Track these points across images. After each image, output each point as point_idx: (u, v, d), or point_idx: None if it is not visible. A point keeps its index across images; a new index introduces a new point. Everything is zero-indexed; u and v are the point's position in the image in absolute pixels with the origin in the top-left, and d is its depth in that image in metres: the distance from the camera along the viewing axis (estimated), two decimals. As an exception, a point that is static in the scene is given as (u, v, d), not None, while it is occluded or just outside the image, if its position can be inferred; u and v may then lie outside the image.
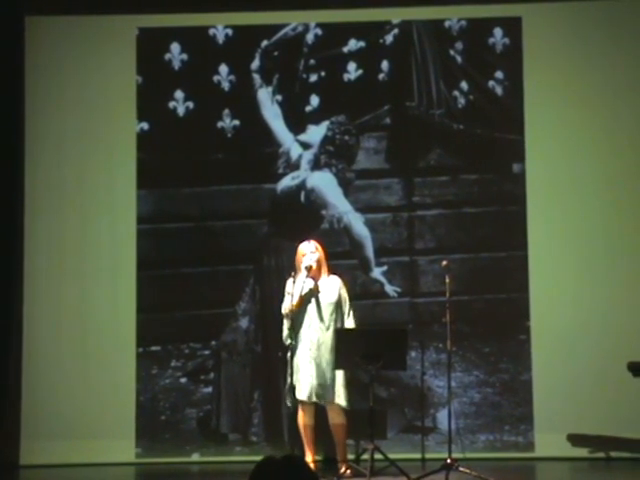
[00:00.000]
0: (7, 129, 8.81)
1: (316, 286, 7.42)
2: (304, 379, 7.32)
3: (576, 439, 8.41)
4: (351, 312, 7.48)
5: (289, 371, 7.26)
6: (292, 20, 8.96)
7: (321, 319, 7.37)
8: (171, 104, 8.93)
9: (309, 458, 7.30)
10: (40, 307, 8.77)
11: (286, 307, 7.34)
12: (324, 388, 7.33)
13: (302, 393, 7.32)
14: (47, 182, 8.88)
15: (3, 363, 8.68)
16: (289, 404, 7.43)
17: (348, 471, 7.26)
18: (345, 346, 7.13)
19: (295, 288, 7.32)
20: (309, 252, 7.48)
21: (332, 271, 7.62)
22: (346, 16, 8.90)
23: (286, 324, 7.37)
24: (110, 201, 8.87)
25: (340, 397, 7.35)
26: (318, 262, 7.48)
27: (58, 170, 8.89)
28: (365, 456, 7.22)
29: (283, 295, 7.46)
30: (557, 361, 8.49)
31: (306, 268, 7.36)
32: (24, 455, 8.61)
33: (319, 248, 7.55)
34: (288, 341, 7.32)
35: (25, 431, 8.64)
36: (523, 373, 8.58)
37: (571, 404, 8.43)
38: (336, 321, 7.41)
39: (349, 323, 7.45)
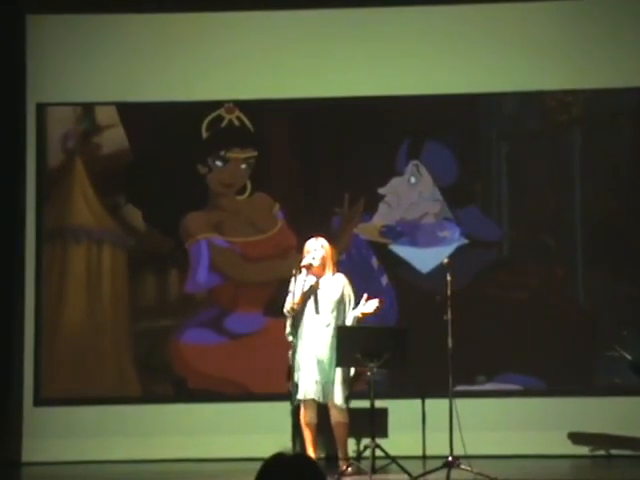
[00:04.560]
0: (9, 130, 8.82)
1: (317, 283, 7.33)
2: (305, 377, 7.23)
3: (577, 437, 8.40)
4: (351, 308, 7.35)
5: (293, 368, 7.21)
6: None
7: (320, 316, 7.27)
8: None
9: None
10: (42, 304, 8.79)
11: (287, 305, 7.27)
12: (325, 386, 7.23)
13: (302, 391, 7.24)
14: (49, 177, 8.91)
15: (5, 361, 8.68)
16: (293, 402, 7.36)
17: (349, 469, 7.24)
18: (346, 343, 7.08)
19: (297, 286, 7.28)
20: (313, 249, 7.37)
21: (338, 269, 7.48)
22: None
23: (288, 322, 7.30)
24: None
25: (337, 396, 7.25)
26: (322, 259, 7.34)
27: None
28: (366, 453, 7.21)
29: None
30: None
31: (305, 267, 7.27)
32: (26, 452, 8.61)
33: (325, 245, 7.41)
34: (290, 338, 7.28)
35: (27, 428, 8.64)
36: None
37: (571, 402, 8.46)
38: (337, 319, 7.30)
39: (350, 318, 7.33)
